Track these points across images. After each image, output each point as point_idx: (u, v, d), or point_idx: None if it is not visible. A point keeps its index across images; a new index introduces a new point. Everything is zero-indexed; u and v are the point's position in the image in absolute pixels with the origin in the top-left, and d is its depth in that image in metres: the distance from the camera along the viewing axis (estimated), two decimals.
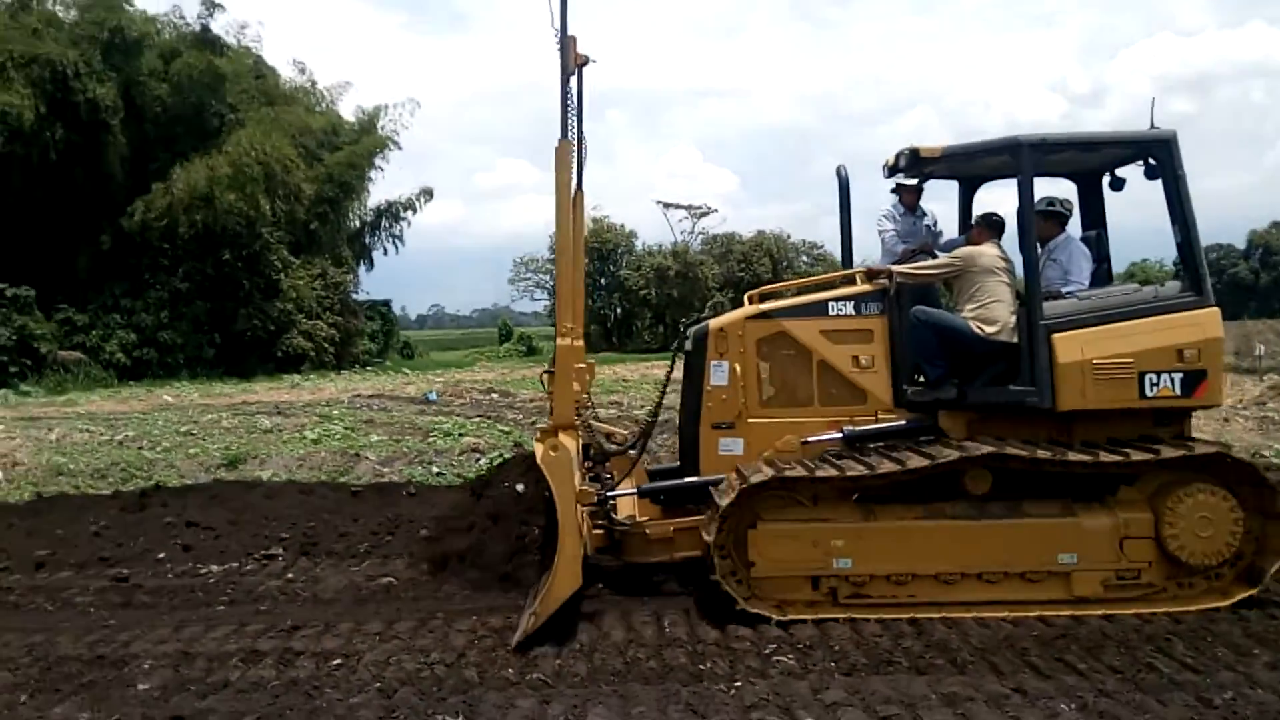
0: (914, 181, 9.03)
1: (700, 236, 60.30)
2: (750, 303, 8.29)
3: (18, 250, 34.74)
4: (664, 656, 6.52)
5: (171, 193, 36.58)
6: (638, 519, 8.20)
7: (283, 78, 46.69)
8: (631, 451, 8.29)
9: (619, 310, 61.61)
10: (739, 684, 6.04)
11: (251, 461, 15.02)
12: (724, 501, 7.11)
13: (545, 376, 7.50)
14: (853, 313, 8.08)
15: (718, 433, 7.99)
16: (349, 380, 34.63)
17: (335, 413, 21.80)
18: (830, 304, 8.12)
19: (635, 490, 8.18)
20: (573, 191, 8.63)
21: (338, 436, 17.83)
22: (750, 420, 8.00)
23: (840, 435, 7.89)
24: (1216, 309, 7.76)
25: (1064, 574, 7.33)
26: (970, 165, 8.57)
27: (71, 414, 23.49)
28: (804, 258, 65.14)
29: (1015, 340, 7.83)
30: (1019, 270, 7.95)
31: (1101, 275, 8.54)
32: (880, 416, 8.02)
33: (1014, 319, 7.85)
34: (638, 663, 6.40)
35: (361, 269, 49.86)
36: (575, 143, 7.47)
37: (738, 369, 7.96)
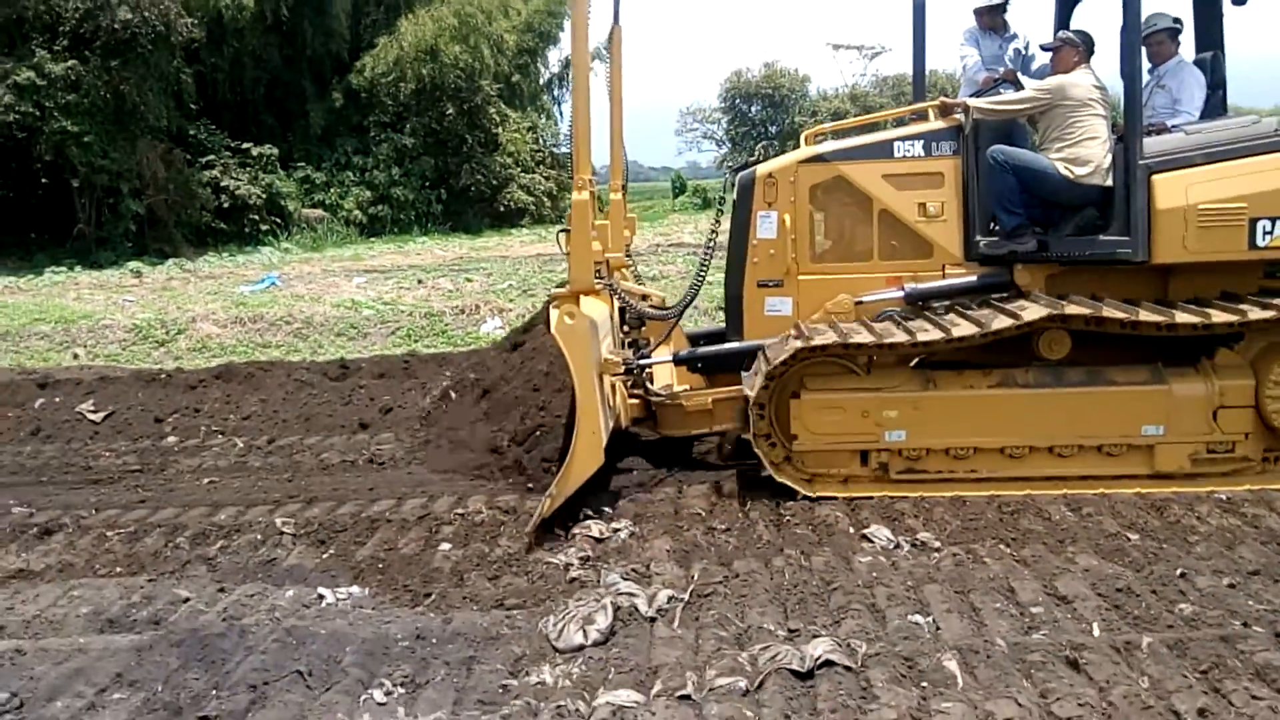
0: (995, 1, 7.29)
1: (871, 78, 56.32)
2: (806, 143, 6.87)
3: (255, 110, 34.36)
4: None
5: (400, 46, 34.93)
6: (675, 389, 7.09)
7: None
8: (670, 316, 7.07)
9: None
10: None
11: None
12: (779, 358, 6.02)
13: (562, 236, 6.27)
14: (921, 154, 6.69)
15: (764, 291, 6.82)
16: None
17: (673, 258, 19.97)
18: (896, 144, 6.76)
19: (671, 357, 7.00)
20: (610, 26, 7.34)
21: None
22: (801, 277, 6.80)
23: (900, 293, 6.60)
24: None
25: (1147, 447, 6.06)
26: None
27: (383, 267, 22.75)
28: None
29: (1109, 183, 6.40)
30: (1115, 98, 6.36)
31: (1215, 104, 6.91)
32: (948, 271, 6.69)
33: (1109, 159, 6.42)
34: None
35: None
36: None
37: (788, 220, 6.73)
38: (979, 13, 7.59)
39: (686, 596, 4.69)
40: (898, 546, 5.32)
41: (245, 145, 32.17)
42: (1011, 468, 6.11)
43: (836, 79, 62.48)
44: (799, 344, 6.00)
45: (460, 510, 6.18)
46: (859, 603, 4.56)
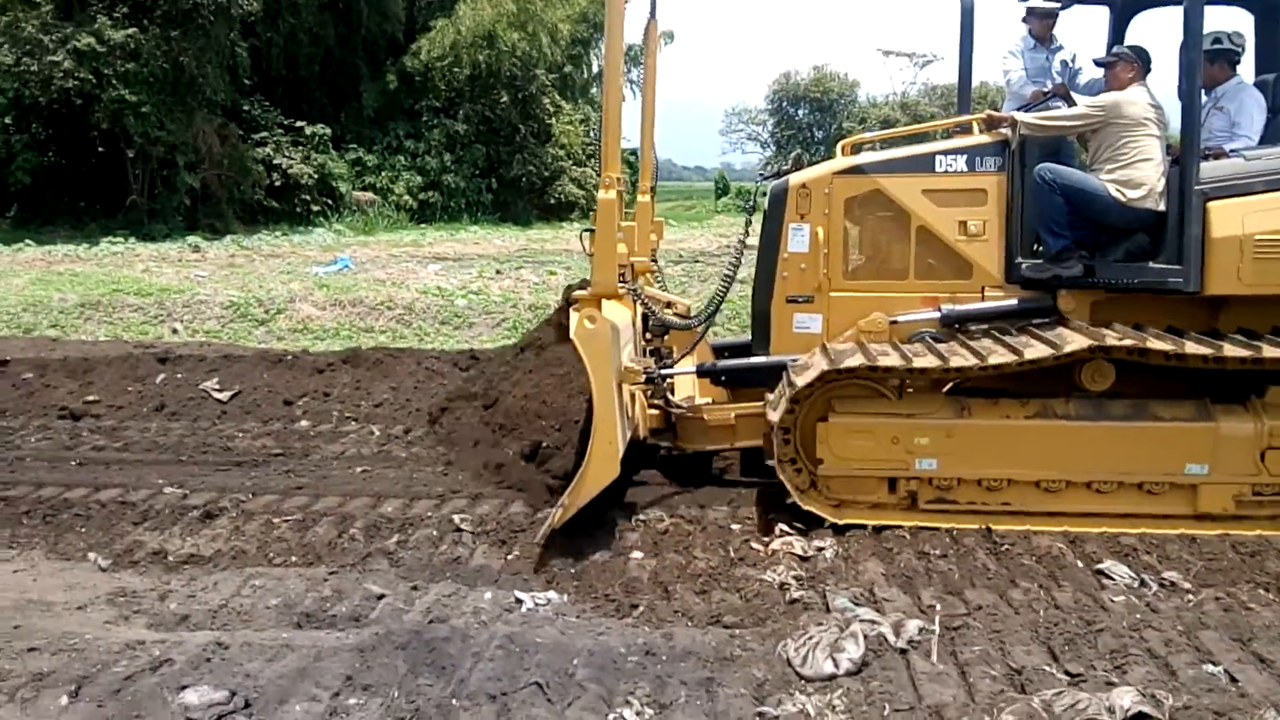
0: (1053, 6, 6.92)
1: (919, 86, 55.49)
2: (842, 154, 6.53)
3: (308, 88, 34.14)
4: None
5: (457, 30, 34.51)
6: (697, 401, 6.81)
7: None
8: (696, 325, 6.78)
9: None
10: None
11: None
12: (802, 380, 5.68)
13: (586, 236, 5.98)
14: (964, 169, 6.30)
15: (793, 307, 6.45)
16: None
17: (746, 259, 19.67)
18: (938, 158, 6.36)
19: (694, 369, 6.71)
20: (646, 20, 7.08)
21: None
22: (832, 294, 6.43)
23: (937, 314, 6.25)
24: None
25: (1190, 487, 5.67)
26: None
27: (450, 254, 22.53)
28: None
29: (1162, 208, 6.01)
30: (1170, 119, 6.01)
31: (1276, 129, 6.47)
32: (987, 294, 6.30)
33: (1163, 182, 6.02)
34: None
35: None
36: None
37: (820, 233, 6.35)
38: (1031, 18, 7.19)
39: (937, 628, 4.36)
40: (1143, 585, 5.02)
41: (299, 124, 31.91)
42: (1047, 502, 5.75)
43: (886, 85, 61.57)
44: (825, 365, 5.68)
45: (642, 517, 5.97)
46: (1135, 647, 4.22)
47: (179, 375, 9.18)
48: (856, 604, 4.66)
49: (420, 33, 35.21)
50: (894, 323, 6.25)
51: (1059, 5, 6.95)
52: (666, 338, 6.97)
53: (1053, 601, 4.77)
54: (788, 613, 4.66)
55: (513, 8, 34.83)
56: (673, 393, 6.73)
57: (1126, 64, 6.21)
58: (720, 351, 7.27)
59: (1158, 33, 6.55)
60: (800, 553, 5.38)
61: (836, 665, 4.00)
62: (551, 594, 4.97)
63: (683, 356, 6.77)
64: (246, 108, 31.17)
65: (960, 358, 5.65)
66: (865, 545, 5.49)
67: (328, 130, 32.71)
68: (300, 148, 31.72)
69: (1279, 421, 5.54)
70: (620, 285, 5.87)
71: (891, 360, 5.65)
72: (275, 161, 30.82)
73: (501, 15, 34.66)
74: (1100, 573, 5.14)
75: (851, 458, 5.76)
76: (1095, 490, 5.72)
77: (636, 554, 5.44)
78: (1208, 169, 5.88)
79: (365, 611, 4.75)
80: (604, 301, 5.69)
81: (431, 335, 12.56)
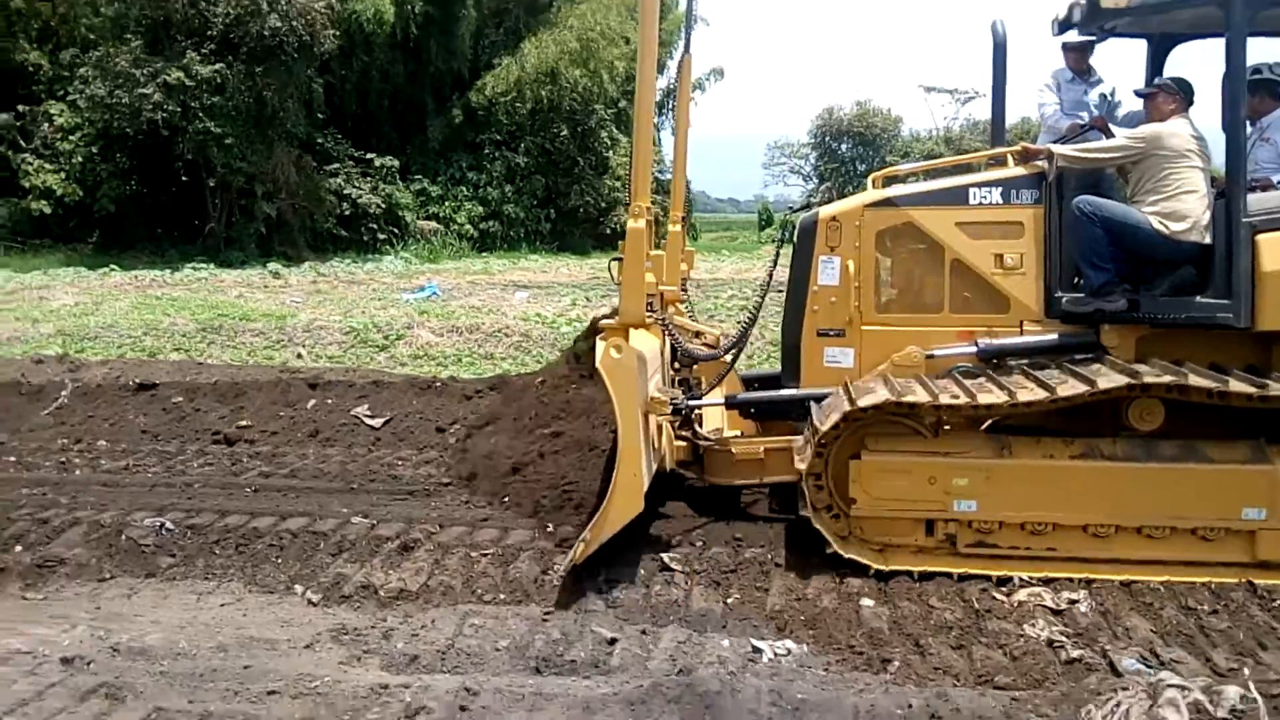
0: (1087, 39, 6.69)
1: (962, 121, 54.84)
2: (873, 186, 6.32)
3: (377, 122, 34.65)
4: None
5: (522, 67, 34.96)
6: (725, 433, 6.57)
7: None
8: (726, 356, 6.61)
9: None
10: None
11: None
12: (826, 424, 5.39)
13: (614, 265, 5.83)
14: (1000, 201, 6.01)
15: (824, 341, 6.18)
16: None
17: None
18: (971, 190, 6.07)
19: (722, 400, 6.50)
20: (680, 53, 6.99)
21: None
22: (864, 327, 6.15)
23: (973, 349, 5.94)
24: None
25: (1248, 532, 5.30)
26: (1165, 19, 6.24)
27: (527, 282, 22.53)
28: None
29: (1208, 241, 5.67)
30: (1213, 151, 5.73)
31: None
32: (1026, 328, 5.99)
33: (1208, 215, 5.68)
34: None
35: None
36: None
37: (851, 266, 6.09)
38: (1067, 51, 6.95)
39: (1258, 696, 3.92)
40: None
41: (368, 155, 32.48)
42: (1095, 548, 5.39)
43: (929, 121, 61.16)
44: (847, 407, 5.40)
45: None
46: None
47: (329, 401, 9.05)
48: (1148, 666, 4.29)
49: (485, 70, 35.56)
50: (930, 357, 5.96)
51: (1094, 38, 6.71)
52: (695, 368, 6.74)
53: None
54: (1067, 674, 4.32)
55: (576, 45, 35.10)
56: (700, 424, 6.49)
57: (1168, 95, 5.90)
58: (750, 383, 7.00)
59: (1197, 64, 6.30)
60: (1051, 605, 5.02)
61: None
62: (789, 643, 4.70)
63: (711, 388, 6.51)
64: (320, 140, 31.66)
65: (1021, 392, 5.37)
66: (1121, 599, 5.10)
67: (395, 162, 33.12)
68: (369, 178, 32.18)
69: None
70: (648, 315, 5.72)
71: (916, 397, 5.35)
72: (345, 191, 31.28)
73: (565, 53, 34.92)
74: None
75: (886, 497, 5.46)
76: (1146, 536, 5.37)
77: (867, 601, 5.11)
78: (1256, 201, 5.55)
79: (602, 657, 4.52)
80: (632, 331, 5.51)
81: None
